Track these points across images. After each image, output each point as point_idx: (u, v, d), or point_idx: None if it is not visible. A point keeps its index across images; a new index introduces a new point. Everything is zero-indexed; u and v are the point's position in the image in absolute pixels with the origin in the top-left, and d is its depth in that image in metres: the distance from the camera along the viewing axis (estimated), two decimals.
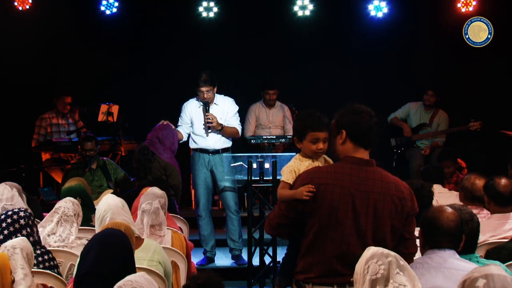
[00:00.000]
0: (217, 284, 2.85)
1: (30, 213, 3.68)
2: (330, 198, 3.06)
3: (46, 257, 3.63)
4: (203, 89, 6.33)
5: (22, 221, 3.58)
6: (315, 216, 3.09)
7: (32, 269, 3.21)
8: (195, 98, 6.55)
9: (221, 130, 6.41)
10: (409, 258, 3.07)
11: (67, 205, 4.20)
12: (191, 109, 6.54)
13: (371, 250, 2.61)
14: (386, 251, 2.57)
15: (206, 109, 6.39)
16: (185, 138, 6.65)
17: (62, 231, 4.09)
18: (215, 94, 6.48)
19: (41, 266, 3.58)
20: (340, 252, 3.05)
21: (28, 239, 3.54)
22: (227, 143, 6.57)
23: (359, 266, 2.59)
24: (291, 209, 3.16)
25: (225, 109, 6.52)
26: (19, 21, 8.80)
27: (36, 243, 3.64)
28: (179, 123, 6.62)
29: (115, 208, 3.76)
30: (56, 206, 4.20)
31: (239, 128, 6.60)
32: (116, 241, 2.80)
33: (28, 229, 3.60)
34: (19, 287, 3.01)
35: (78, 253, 3.51)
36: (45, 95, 8.57)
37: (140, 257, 3.69)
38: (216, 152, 6.48)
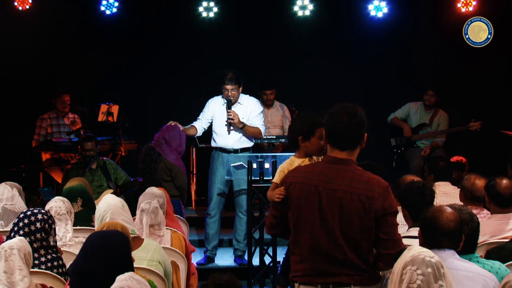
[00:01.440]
0: None
1: (49, 217, 3.64)
2: (297, 196, 3.10)
3: (55, 263, 3.60)
4: (228, 87, 6.33)
5: (38, 224, 3.55)
6: (289, 215, 3.16)
7: (32, 269, 3.21)
8: (221, 96, 6.53)
9: (243, 128, 6.39)
10: (387, 260, 3.00)
11: (58, 204, 4.21)
12: (214, 106, 6.54)
13: (412, 252, 2.42)
14: (428, 257, 2.41)
15: (228, 107, 6.38)
16: (199, 133, 6.65)
17: (58, 230, 4.09)
18: (241, 94, 6.48)
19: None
20: (313, 251, 3.06)
21: (41, 243, 3.55)
22: (247, 143, 6.52)
23: (397, 266, 2.45)
24: (275, 209, 3.25)
25: (248, 109, 6.50)
26: (19, 21, 8.78)
27: (49, 247, 3.61)
28: (199, 117, 6.62)
29: (115, 208, 3.77)
30: (47, 208, 4.19)
31: (262, 128, 6.52)
32: (104, 243, 2.81)
33: (43, 233, 3.57)
34: None
35: (76, 251, 3.51)
36: (45, 95, 8.56)
37: (140, 257, 3.69)
38: (235, 152, 6.44)
